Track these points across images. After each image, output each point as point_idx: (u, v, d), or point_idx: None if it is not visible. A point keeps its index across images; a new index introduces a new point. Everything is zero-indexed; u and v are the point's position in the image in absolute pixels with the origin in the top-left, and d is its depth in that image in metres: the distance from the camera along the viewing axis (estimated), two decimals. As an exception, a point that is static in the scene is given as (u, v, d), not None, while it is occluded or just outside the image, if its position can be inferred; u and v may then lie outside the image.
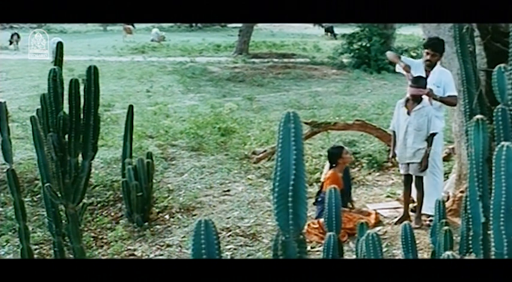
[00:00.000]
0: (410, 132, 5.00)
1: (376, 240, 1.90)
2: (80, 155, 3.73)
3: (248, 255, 4.63)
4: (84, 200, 3.96)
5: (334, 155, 5.34)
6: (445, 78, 5.13)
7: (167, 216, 5.55)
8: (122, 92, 12.90)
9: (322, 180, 5.48)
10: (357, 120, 7.33)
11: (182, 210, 5.68)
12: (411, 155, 5.02)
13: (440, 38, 5.14)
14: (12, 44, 22.70)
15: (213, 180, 6.56)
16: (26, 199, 5.35)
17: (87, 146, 3.68)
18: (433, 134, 4.98)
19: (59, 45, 3.74)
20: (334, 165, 5.30)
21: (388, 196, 6.00)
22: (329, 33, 30.39)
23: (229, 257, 4.60)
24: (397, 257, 4.34)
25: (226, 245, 4.79)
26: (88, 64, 3.76)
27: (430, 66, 5.23)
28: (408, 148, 5.02)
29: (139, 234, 5.14)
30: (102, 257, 4.73)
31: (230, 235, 5.03)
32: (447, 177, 5.91)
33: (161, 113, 10.26)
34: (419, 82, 4.98)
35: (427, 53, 5.24)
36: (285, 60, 19.72)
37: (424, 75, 5.17)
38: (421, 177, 5.08)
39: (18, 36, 22.55)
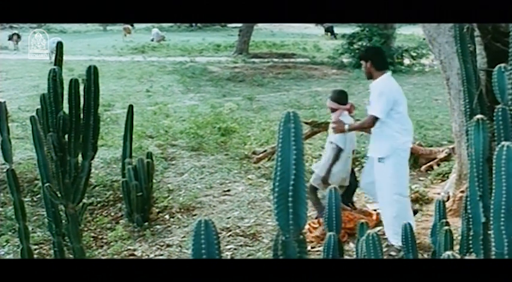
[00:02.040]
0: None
1: (376, 240, 1.90)
2: (80, 155, 3.73)
3: (248, 255, 4.63)
4: (84, 200, 3.96)
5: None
6: (373, 92, 4.45)
7: (167, 216, 5.55)
8: (122, 92, 12.90)
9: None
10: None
11: (182, 210, 5.67)
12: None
13: (370, 45, 4.84)
14: (11, 39, 22.69)
15: (213, 180, 6.56)
16: (25, 199, 5.35)
17: (87, 146, 3.68)
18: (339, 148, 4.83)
19: (59, 45, 3.74)
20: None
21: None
22: (329, 33, 30.42)
23: (229, 257, 4.60)
24: (397, 257, 4.34)
25: (226, 245, 4.79)
26: (88, 64, 3.77)
27: (370, 78, 4.59)
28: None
29: (139, 234, 5.14)
30: (102, 257, 4.72)
31: (230, 235, 5.03)
32: (447, 177, 5.90)
33: (161, 112, 10.25)
34: (332, 93, 4.91)
35: None
36: (285, 60, 19.74)
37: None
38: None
39: (19, 36, 22.58)
